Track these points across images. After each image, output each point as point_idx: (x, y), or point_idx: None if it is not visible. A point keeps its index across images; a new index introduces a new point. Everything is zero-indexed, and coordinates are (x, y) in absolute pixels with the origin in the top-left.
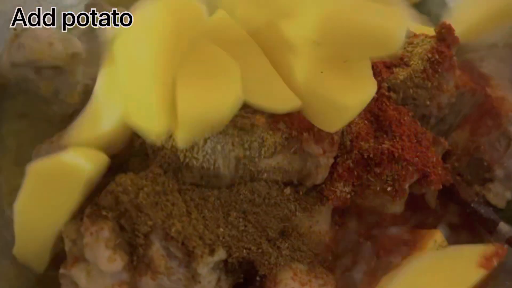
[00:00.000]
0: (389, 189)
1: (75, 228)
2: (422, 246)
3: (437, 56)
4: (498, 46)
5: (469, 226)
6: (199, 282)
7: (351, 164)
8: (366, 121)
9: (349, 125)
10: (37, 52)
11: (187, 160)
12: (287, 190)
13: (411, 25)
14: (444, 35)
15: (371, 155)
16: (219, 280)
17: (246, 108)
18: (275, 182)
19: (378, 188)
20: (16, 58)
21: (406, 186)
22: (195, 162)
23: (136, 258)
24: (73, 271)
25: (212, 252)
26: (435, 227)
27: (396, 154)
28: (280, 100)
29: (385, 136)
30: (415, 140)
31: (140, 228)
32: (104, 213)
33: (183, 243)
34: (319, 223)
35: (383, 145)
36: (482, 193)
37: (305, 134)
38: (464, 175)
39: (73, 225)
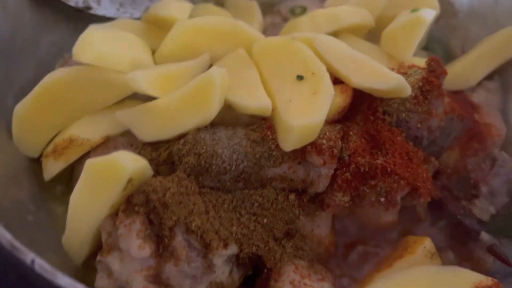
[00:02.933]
0: (382, 199)
1: (111, 223)
2: (412, 251)
3: (427, 85)
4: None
5: (455, 235)
6: (214, 271)
7: (349, 176)
8: (363, 140)
9: (347, 142)
10: None
11: (207, 166)
12: (292, 197)
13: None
14: (434, 66)
15: (367, 169)
16: (231, 271)
17: (257, 124)
18: (282, 189)
19: (373, 199)
20: None
21: (398, 198)
22: (214, 168)
23: (162, 247)
24: (108, 258)
25: (226, 246)
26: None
27: (389, 169)
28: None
29: (379, 153)
30: (407, 158)
31: (166, 222)
32: (136, 209)
33: (201, 237)
34: (319, 227)
35: (377, 161)
36: (468, 207)
37: (308, 147)
38: (452, 191)
39: (109, 220)
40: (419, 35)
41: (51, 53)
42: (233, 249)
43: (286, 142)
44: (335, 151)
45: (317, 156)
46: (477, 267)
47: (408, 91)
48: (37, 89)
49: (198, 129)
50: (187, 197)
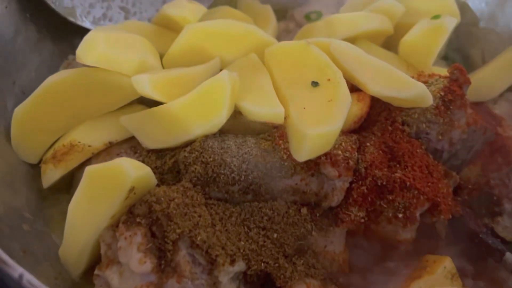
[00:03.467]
0: (400, 215)
1: (111, 234)
2: (431, 270)
3: (449, 95)
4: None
5: (477, 255)
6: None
7: (365, 190)
8: (380, 151)
9: (363, 153)
10: None
11: (214, 175)
12: (304, 210)
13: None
14: (457, 75)
15: (384, 183)
16: None
17: (268, 132)
18: (293, 202)
19: (390, 214)
20: None
21: (417, 214)
22: (222, 178)
23: (164, 262)
24: (107, 273)
25: (232, 262)
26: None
27: (408, 183)
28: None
29: (398, 166)
30: (427, 171)
31: (169, 235)
32: (138, 220)
33: (207, 252)
34: (333, 244)
35: (396, 174)
36: (491, 226)
37: (322, 158)
38: (474, 208)
39: (109, 231)
40: (440, 44)
41: (54, 55)
42: (240, 265)
43: (299, 151)
44: (351, 162)
45: (332, 167)
46: None
47: (429, 100)
48: (37, 91)
49: (206, 137)
50: (193, 209)
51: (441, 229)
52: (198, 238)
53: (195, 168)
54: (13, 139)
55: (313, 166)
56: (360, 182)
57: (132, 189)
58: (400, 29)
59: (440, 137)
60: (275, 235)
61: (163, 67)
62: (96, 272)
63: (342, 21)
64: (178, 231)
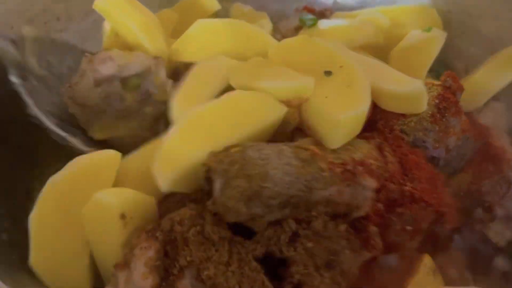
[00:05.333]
0: (409, 228)
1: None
2: (413, 272)
3: (443, 102)
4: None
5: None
6: None
7: (381, 208)
8: (397, 162)
9: (387, 164)
10: (126, 58)
11: (258, 189)
12: (343, 227)
13: None
14: (449, 82)
15: (396, 196)
16: None
17: (302, 140)
18: (325, 213)
19: (398, 227)
20: (103, 72)
21: (424, 225)
22: (266, 192)
23: (165, 284)
24: (119, 273)
25: None
26: None
27: (417, 196)
28: None
29: (406, 177)
30: (432, 183)
31: (180, 259)
32: (157, 234)
33: None
34: (355, 266)
35: (406, 187)
36: (482, 232)
37: (359, 168)
38: (466, 215)
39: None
40: (434, 56)
41: None
42: None
43: (333, 139)
44: (382, 172)
45: (371, 178)
46: None
47: (424, 102)
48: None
49: (244, 146)
50: (212, 241)
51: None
52: (205, 273)
53: (240, 182)
54: None
55: (349, 176)
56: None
57: (123, 216)
58: (386, 40)
59: (437, 145)
60: (309, 245)
61: (170, 55)
62: (113, 270)
63: (336, 32)
64: (188, 258)
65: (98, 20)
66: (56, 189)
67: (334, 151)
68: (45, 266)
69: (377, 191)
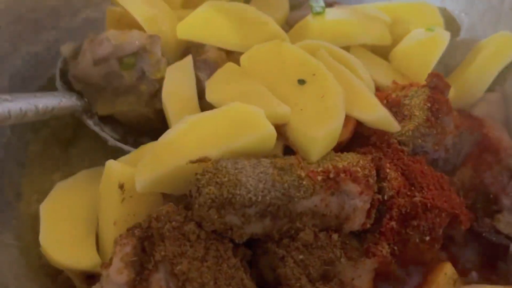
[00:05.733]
0: (427, 238)
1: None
2: (433, 279)
3: (435, 104)
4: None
5: (486, 254)
6: None
7: (394, 225)
8: (401, 175)
9: (387, 180)
10: (121, 38)
11: (230, 196)
12: (335, 237)
13: None
14: (435, 82)
15: (408, 210)
16: None
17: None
18: (315, 226)
19: (417, 240)
20: (100, 52)
21: (441, 231)
22: (238, 199)
23: (139, 279)
24: (104, 271)
25: None
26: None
27: (429, 204)
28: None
29: (413, 188)
30: (439, 186)
31: (155, 255)
32: (136, 231)
33: (183, 284)
34: (361, 278)
35: (415, 198)
36: (492, 224)
37: (342, 175)
38: (473, 210)
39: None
40: (438, 56)
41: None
42: None
43: (310, 154)
44: (371, 181)
45: (353, 183)
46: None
47: (394, 127)
48: None
49: (219, 159)
50: (187, 237)
51: (459, 238)
52: (178, 267)
53: (210, 189)
54: None
55: (332, 184)
56: (388, 215)
57: (122, 186)
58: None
59: (436, 147)
60: (300, 257)
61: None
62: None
63: (339, 29)
64: (163, 253)
65: (88, 18)
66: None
67: (317, 162)
68: (54, 245)
69: (388, 210)
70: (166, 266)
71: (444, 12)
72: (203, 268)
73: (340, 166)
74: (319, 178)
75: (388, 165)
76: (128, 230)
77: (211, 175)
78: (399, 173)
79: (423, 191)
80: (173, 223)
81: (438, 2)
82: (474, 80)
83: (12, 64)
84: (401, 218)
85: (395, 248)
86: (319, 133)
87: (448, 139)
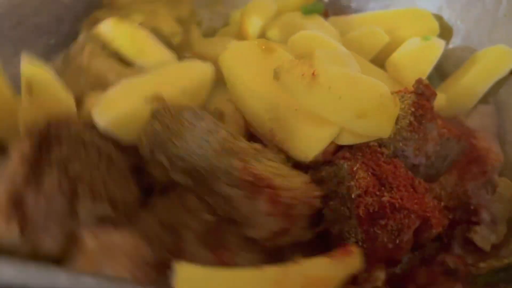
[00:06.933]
0: (395, 239)
1: None
2: None
3: (420, 110)
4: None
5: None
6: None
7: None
8: (371, 175)
9: (356, 179)
10: None
11: (166, 139)
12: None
13: None
14: (422, 89)
15: (376, 209)
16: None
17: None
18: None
19: (385, 239)
20: None
21: (411, 233)
22: (171, 147)
23: (34, 176)
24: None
25: (94, 200)
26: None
27: (397, 205)
28: None
29: (383, 189)
30: (412, 189)
31: (51, 156)
32: (35, 132)
33: (75, 185)
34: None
35: (384, 198)
36: (469, 236)
37: (266, 189)
38: (451, 217)
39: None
40: (432, 64)
41: None
42: (103, 208)
43: (304, 155)
44: (294, 212)
45: (266, 202)
46: None
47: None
48: None
49: (187, 106)
50: (86, 145)
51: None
52: (70, 167)
53: (157, 125)
54: None
55: (254, 191)
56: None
57: (29, 86)
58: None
59: (417, 153)
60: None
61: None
62: None
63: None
64: (58, 155)
65: None
66: None
67: (268, 165)
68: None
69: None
70: (60, 167)
71: (440, 20)
72: (94, 171)
73: (276, 183)
74: (248, 178)
75: (358, 165)
76: (28, 129)
77: (168, 116)
78: (369, 173)
79: (393, 191)
80: (72, 128)
81: (435, 9)
82: (467, 90)
83: (14, 67)
84: (368, 216)
85: (364, 246)
86: (314, 135)
87: (430, 146)
